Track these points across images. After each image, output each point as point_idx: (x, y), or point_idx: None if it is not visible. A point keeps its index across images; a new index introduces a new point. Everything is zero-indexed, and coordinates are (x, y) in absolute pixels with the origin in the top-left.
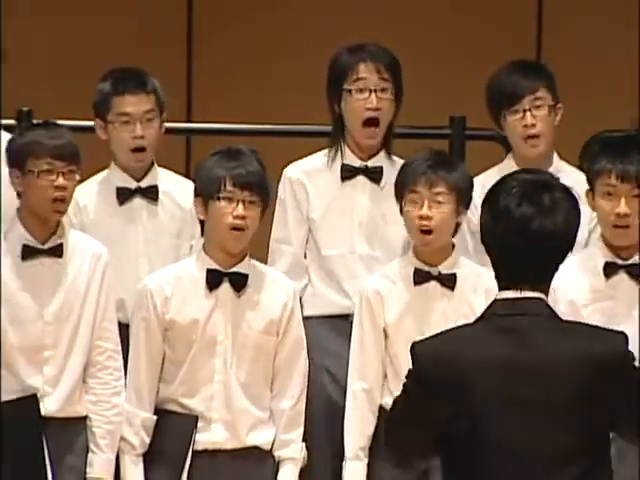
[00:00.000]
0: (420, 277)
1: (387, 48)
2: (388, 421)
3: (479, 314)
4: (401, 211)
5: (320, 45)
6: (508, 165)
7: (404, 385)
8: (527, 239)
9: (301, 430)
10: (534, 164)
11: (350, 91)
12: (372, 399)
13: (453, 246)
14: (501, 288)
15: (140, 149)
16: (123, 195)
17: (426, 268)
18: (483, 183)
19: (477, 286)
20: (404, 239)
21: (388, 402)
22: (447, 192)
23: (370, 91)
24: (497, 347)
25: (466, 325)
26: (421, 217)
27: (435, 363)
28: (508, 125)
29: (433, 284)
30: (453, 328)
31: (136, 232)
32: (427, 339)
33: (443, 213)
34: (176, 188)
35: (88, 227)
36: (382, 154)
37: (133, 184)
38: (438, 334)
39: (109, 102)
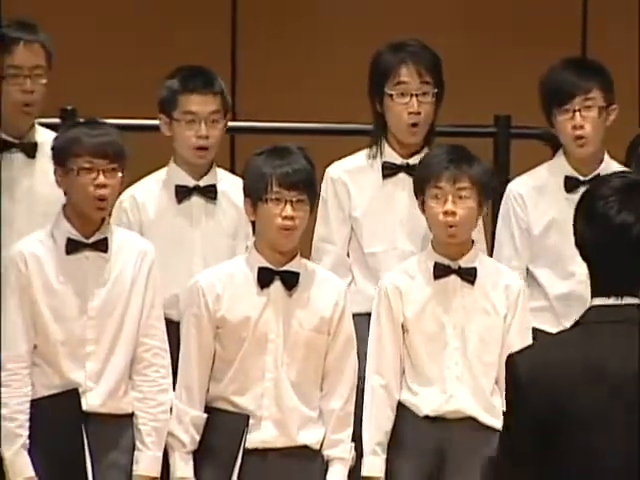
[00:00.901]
0: (440, 271)
1: (428, 46)
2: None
3: (498, 309)
4: (421, 206)
5: (363, 44)
6: (558, 163)
7: (505, 423)
8: (628, 246)
9: (350, 430)
10: (584, 163)
11: (391, 95)
12: (390, 394)
13: (472, 241)
14: (598, 294)
15: (203, 148)
16: (182, 193)
17: (446, 262)
18: (532, 181)
19: (497, 281)
20: (426, 233)
21: (407, 398)
22: (470, 187)
23: (411, 95)
24: (596, 355)
25: (562, 332)
26: (446, 213)
27: (535, 375)
28: (558, 123)
29: (453, 278)
30: (550, 337)
31: (193, 231)
32: (525, 350)
33: (467, 208)
34: (233, 188)
35: (146, 224)
36: (423, 151)
37: (192, 182)
38: (535, 344)
39: (176, 100)
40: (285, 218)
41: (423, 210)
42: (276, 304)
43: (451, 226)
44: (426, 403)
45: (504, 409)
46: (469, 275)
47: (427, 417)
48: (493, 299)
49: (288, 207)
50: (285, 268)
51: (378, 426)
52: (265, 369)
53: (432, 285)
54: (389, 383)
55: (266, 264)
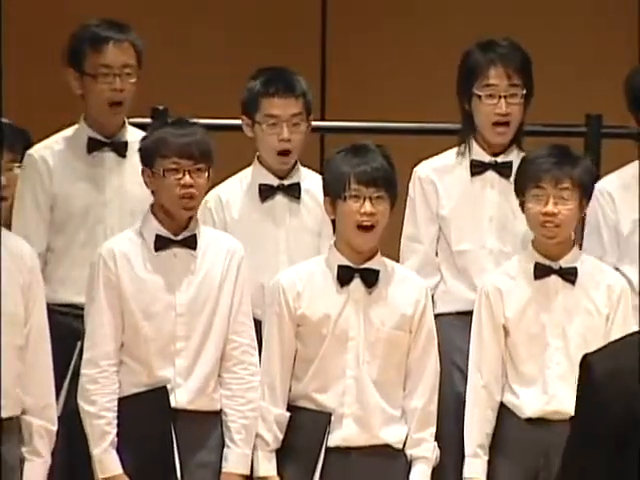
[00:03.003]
0: (541, 271)
1: (518, 45)
2: None
3: (600, 309)
4: (521, 206)
5: (451, 44)
6: None
7: (576, 429)
8: None
9: (433, 429)
10: None
11: (479, 96)
12: (491, 395)
13: (574, 241)
14: None
15: (285, 152)
16: (265, 192)
17: (547, 262)
18: (621, 179)
19: (599, 281)
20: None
21: (509, 399)
22: (572, 188)
23: (499, 97)
24: None
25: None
26: (546, 214)
27: (613, 379)
28: None
29: (554, 278)
30: (626, 336)
31: (277, 230)
32: (601, 350)
33: (568, 210)
34: (317, 187)
35: (230, 224)
36: (512, 149)
37: (276, 182)
38: (611, 345)
39: (258, 102)
40: (364, 215)
41: (523, 210)
42: (356, 302)
43: (551, 227)
44: (528, 404)
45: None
46: (570, 275)
47: (529, 419)
48: (595, 299)
49: (367, 204)
50: (365, 266)
51: (480, 428)
52: (346, 367)
53: (533, 285)
54: (490, 384)
55: (346, 262)
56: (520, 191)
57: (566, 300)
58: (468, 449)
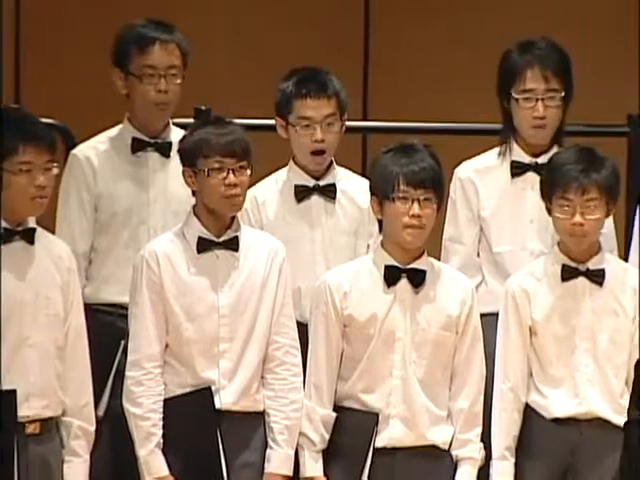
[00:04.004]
0: (568, 273)
1: (557, 46)
2: None
3: (628, 310)
4: (547, 210)
5: (490, 44)
6: None
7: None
8: None
9: (479, 430)
10: None
11: (517, 99)
12: (517, 397)
13: (600, 243)
14: None
15: (319, 152)
16: (301, 193)
17: (574, 264)
18: None
19: (624, 282)
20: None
21: (535, 399)
22: (599, 197)
23: (537, 99)
24: None
25: None
26: (574, 224)
27: None
28: None
29: (581, 280)
30: None
31: (313, 230)
32: None
33: (595, 220)
34: (354, 187)
35: (266, 224)
36: (553, 150)
37: (311, 182)
38: None
39: (290, 104)
40: (412, 217)
41: (549, 212)
42: (403, 302)
43: (579, 236)
44: (556, 405)
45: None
46: (598, 277)
47: (556, 419)
48: (621, 300)
49: (415, 205)
50: (412, 266)
51: (507, 431)
52: (393, 367)
53: (560, 287)
54: (516, 386)
55: (393, 262)
56: (547, 197)
57: (594, 302)
58: (495, 452)
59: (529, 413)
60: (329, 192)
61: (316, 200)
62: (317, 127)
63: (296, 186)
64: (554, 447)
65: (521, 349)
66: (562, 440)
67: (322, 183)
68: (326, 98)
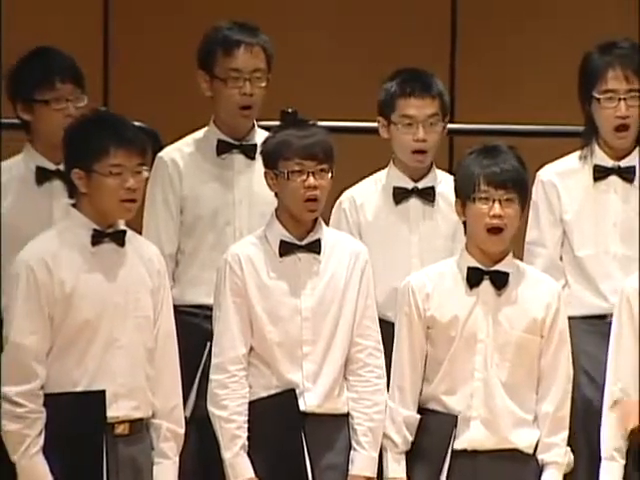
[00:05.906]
0: None
1: (639, 46)
2: None
3: None
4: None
5: (572, 46)
6: None
7: None
8: None
9: (565, 434)
10: None
11: (599, 99)
12: (627, 398)
13: None
14: None
15: (420, 151)
16: (400, 195)
17: None
18: None
19: None
20: None
21: None
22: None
23: (619, 99)
24: None
25: None
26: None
27: None
28: None
29: None
30: None
31: (411, 233)
32: None
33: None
34: (452, 190)
35: (364, 226)
36: (635, 153)
37: (410, 184)
38: None
39: (394, 103)
40: (493, 217)
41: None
42: (485, 304)
43: None
44: None
45: None
46: None
47: None
48: None
49: (496, 206)
50: (495, 268)
51: (617, 432)
52: (474, 369)
53: None
54: (627, 388)
55: (476, 264)
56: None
57: None
58: (605, 452)
59: None
60: (427, 195)
61: (414, 202)
62: (420, 126)
63: (395, 188)
64: None
65: (634, 352)
66: None
67: (421, 185)
68: (430, 98)
